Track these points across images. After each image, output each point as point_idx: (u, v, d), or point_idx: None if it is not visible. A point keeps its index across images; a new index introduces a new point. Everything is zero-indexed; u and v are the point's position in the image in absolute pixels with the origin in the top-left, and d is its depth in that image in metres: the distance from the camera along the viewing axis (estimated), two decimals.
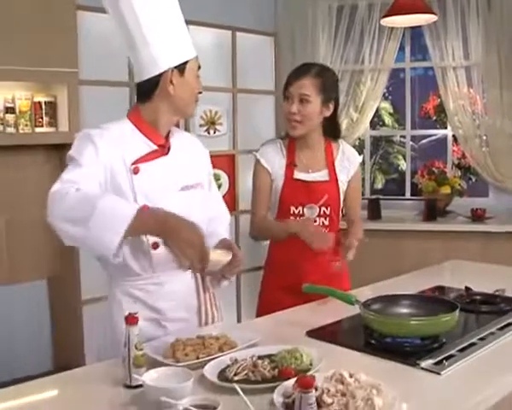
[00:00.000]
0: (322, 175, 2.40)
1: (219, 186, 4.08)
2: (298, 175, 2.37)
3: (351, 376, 1.38)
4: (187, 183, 1.91)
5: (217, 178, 4.05)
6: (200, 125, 4.02)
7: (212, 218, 1.99)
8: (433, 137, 6.14)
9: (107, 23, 3.44)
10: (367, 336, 1.75)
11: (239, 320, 4.04)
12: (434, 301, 1.87)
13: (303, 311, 2.10)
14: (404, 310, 1.83)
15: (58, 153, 3.43)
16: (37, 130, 3.26)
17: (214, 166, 3.97)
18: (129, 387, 1.45)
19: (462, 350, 1.66)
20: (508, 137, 4.07)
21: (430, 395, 1.45)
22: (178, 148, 1.94)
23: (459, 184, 4.36)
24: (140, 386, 1.41)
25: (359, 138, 4.80)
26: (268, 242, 2.50)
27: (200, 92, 1.90)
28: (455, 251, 3.43)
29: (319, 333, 1.81)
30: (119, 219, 1.59)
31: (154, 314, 1.87)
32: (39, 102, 3.26)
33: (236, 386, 1.31)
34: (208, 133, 4.05)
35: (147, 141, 1.86)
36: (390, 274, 2.63)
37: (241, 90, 4.20)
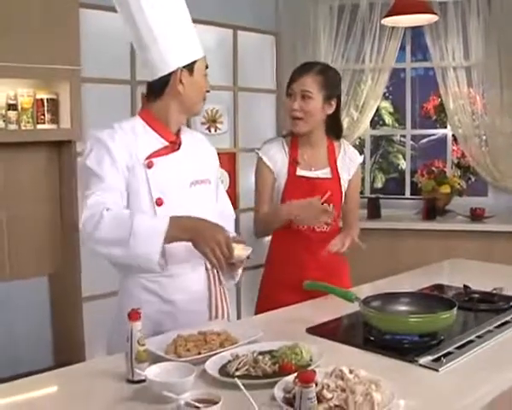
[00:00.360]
0: (324, 173, 2.42)
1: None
2: (300, 172, 2.40)
3: (350, 372, 1.40)
4: (196, 178, 1.98)
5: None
6: (202, 123, 4.03)
7: (219, 215, 2.03)
8: (433, 137, 6.16)
9: (110, 21, 3.51)
10: (366, 333, 1.77)
11: (239, 317, 4.06)
12: (433, 298, 1.89)
13: (303, 308, 2.12)
14: (404, 307, 1.85)
15: (60, 150, 3.45)
16: (39, 127, 3.27)
17: None
18: (131, 382, 1.46)
19: (460, 347, 1.68)
20: (507, 136, 4.09)
21: (428, 392, 1.46)
22: (188, 144, 2.01)
23: (459, 184, 4.38)
24: (142, 381, 1.43)
25: (360, 138, 4.82)
26: (269, 238, 2.51)
27: (208, 91, 1.96)
28: (454, 250, 3.45)
29: (319, 330, 1.83)
30: (155, 235, 1.71)
31: (166, 306, 1.91)
32: (41, 100, 3.27)
33: (238, 381, 1.33)
34: (209, 131, 4.06)
35: (158, 138, 1.93)
36: (389, 273, 2.65)
37: (242, 89, 4.21)
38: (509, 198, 4.23)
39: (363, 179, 4.62)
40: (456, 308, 1.73)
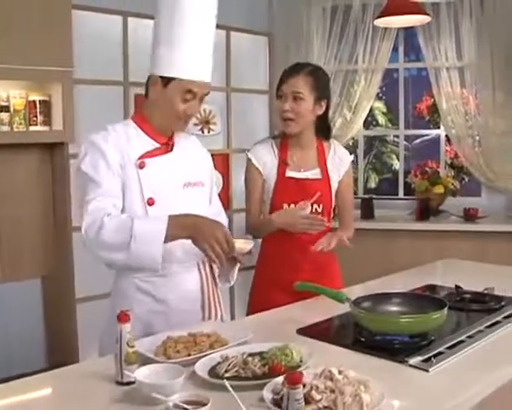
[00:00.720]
0: (314, 173, 2.43)
1: None
2: (290, 173, 2.40)
3: (340, 373, 1.40)
4: (189, 180, 1.99)
5: None
6: (195, 125, 4.03)
7: (213, 218, 2.02)
8: (427, 137, 6.17)
9: (103, 22, 3.51)
10: (357, 334, 1.76)
11: (233, 317, 4.06)
12: (424, 299, 1.89)
13: (294, 309, 2.12)
14: (394, 308, 1.85)
15: (52, 152, 3.45)
16: (32, 128, 3.27)
17: None
18: (121, 384, 1.46)
19: (450, 348, 1.68)
20: (500, 136, 4.10)
21: (418, 392, 1.47)
22: (182, 147, 2.02)
23: (452, 184, 4.38)
24: (132, 383, 1.43)
25: (353, 138, 4.82)
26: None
27: (189, 115, 1.91)
28: (447, 251, 3.45)
29: (310, 331, 1.83)
30: (154, 236, 1.74)
31: (158, 306, 1.92)
32: (34, 101, 3.27)
33: (226, 383, 1.33)
34: (202, 132, 4.06)
35: (149, 140, 1.94)
36: (382, 273, 2.66)
37: (235, 90, 4.22)
38: (502, 198, 4.25)
39: (356, 180, 4.62)
40: (446, 308, 1.73)
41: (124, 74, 3.63)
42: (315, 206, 2.35)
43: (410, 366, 1.57)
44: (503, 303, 2.06)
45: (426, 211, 4.18)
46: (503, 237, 3.86)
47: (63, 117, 3.27)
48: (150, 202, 1.87)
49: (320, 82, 2.39)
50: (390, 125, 7.58)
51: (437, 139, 4.64)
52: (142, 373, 1.41)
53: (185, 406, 1.27)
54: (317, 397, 1.30)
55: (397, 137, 5.25)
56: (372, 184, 7.73)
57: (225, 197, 4.11)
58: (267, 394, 1.33)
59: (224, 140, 4.21)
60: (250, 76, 4.32)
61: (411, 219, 4.24)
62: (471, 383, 1.51)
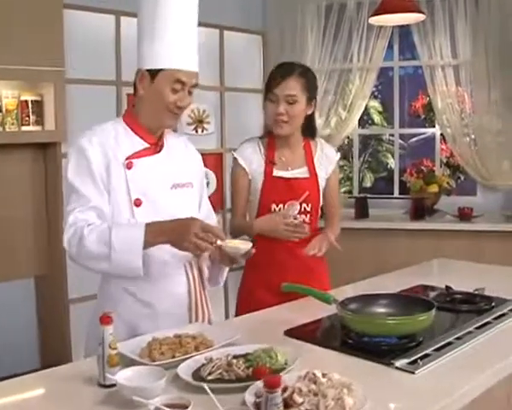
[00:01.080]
0: (301, 172, 2.41)
1: (207, 185, 4.07)
2: (277, 173, 2.38)
3: (324, 375, 1.39)
4: (178, 181, 1.97)
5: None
6: (188, 124, 4.02)
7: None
8: (423, 136, 6.15)
9: (95, 21, 3.50)
10: (344, 336, 1.75)
11: (227, 317, 4.05)
12: (412, 300, 1.87)
13: (282, 310, 2.10)
14: (382, 309, 1.83)
15: (45, 151, 3.44)
16: (24, 128, 3.27)
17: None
18: (103, 386, 1.45)
19: (438, 349, 1.67)
20: (495, 135, 4.09)
21: (403, 395, 1.45)
22: (171, 148, 2.00)
23: (447, 183, 4.37)
24: (114, 385, 1.42)
25: (348, 137, 4.81)
26: None
27: (180, 107, 1.87)
28: (442, 250, 3.44)
29: (297, 332, 1.82)
30: (133, 244, 1.74)
31: (145, 309, 1.90)
32: (26, 101, 3.26)
33: (205, 385, 1.32)
34: (196, 132, 4.05)
35: (139, 140, 1.92)
36: (376, 273, 2.65)
37: (228, 89, 4.21)
38: (497, 197, 4.23)
39: (351, 179, 4.61)
40: (434, 310, 1.72)
41: (116, 74, 3.62)
42: (304, 205, 2.33)
43: (397, 368, 1.55)
44: (493, 304, 2.04)
45: (420, 210, 4.16)
46: (498, 236, 3.84)
47: (55, 117, 3.27)
48: (137, 203, 1.86)
49: (311, 83, 2.37)
50: (385, 123, 7.56)
51: (433, 138, 4.63)
52: (123, 376, 1.40)
53: (166, 409, 1.26)
54: (299, 400, 1.28)
55: (392, 135, 5.24)
56: (368, 183, 7.71)
57: (219, 197, 4.10)
58: (249, 397, 1.32)
59: (218, 139, 4.20)
60: (244, 75, 4.31)
61: (406, 219, 4.22)
62: (458, 386, 1.49)
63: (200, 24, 3.97)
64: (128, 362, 1.53)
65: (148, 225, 1.76)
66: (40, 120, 3.31)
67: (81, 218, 1.78)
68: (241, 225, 2.41)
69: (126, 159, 1.87)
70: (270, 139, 2.43)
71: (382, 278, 2.60)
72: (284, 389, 1.31)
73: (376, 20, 3.98)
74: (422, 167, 4.61)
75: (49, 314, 3.55)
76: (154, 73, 1.84)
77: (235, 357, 1.54)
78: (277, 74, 2.35)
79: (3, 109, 3.20)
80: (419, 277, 2.50)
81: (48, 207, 3.46)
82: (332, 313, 1.91)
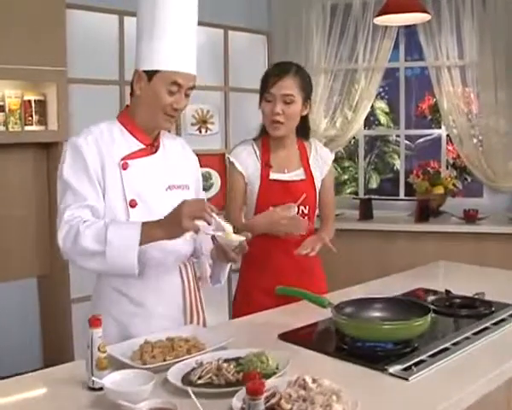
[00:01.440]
0: (298, 174, 2.38)
1: (211, 185, 4.07)
2: (274, 176, 2.35)
3: (314, 381, 1.37)
4: (173, 182, 1.96)
5: (208, 177, 4.04)
6: (192, 124, 4.01)
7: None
8: (430, 137, 6.11)
9: (98, 21, 3.50)
10: (339, 341, 1.73)
11: (231, 317, 4.04)
12: (408, 304, 1.84)
13: (278, 313, 2.08)
14: (377, 314, 1.81)
15: (48, 151, 3.44)
16: (27, 128, 3.27)
17: (206, 165, 4.02)
18: (92, 389, 1.44)
19: (433, 355, 1.64)
20: (502, 136, 4.04)
21: (395, 401, 1.43)
22: (167, 149, 2.00)
23: (453, 184, 4.32)
24: (103, 389, 1.41)
25: (354, 138, 4.78)
26: None
27: (176, 109, 1.86)
28: (446, 252, 3.41)
29: (291, 336, 1.80)
30: (128, 242, 1.72)
31: (138, 310, 1.89)
32: (29, 101, 3.26)
33: (189, 390, 1.30)
34: (200, 132, 4.04)
35: (134, 140, 1.91)
36: (379, 275, 2.63)
37: (233, 89, 4.19)
38: (503, 199, 4.18)
39: (356, 180, 4.58)
40: (430, 315, 1.69)
41: (119, 73, 3.62)
42: (301, 207, 2.31)
43: (390, 374, 1.53)
44: (493, 309, 2.01)
45: (425, 212, 4.12)
46: (503, 238, 3.79)
47: (58, 117, 3.27)
48: (132, 204, 1.85)
49: (306, 82, 2.34)
50: (392, 124, 7.50)
51: (439, 139, 4.58)
52: (111, 379, 1.38)
53: None
54: (287, 407, 1.27)
55: (399, 136, 5.20)
56: (373, 185, 7.66)
57: (222, 197, 4.07)
58: (236, 402, 1.30)
59: (222, 140, 4.18)
60: (248, 75, 4.27)
61: (410, 221, 4.18)
62: (452, 393, 1.46)
63: (204, 24, 4.01)
64: (120, 365, 1.53)
65: (144, 223, 1.74)
66: (43, 120, 3.31)
67: (76, 215, 1.77)
68: (240, 227, 2.38)
69: (122, 159, 1.86)
70: (265, 141, 2.40)
71: (383, 281, 2.58)
72: (272, 395, 1.29)
73: (381, 20, 3.95)
74: (429, 169, 4.55)
75: (51, 314, 3.55)
76: (150, 74, 1.84)
77: (226, 361, 1.53)
78: (273, 74, 2.32)
79: (6, 109, 3.20)
80: (420, 280, 2.47)
81: (50, 207, 3.45)
82: (327, 317, 1.88)
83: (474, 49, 4.07)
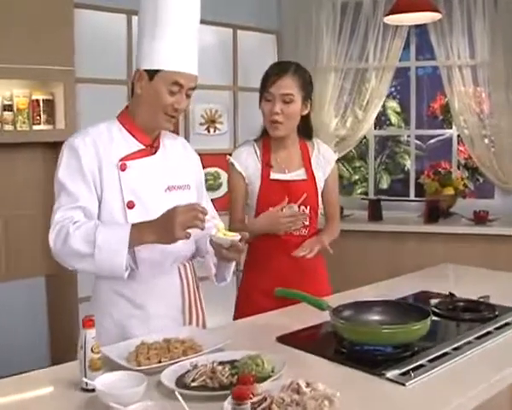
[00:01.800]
0: (299, 174, 2.36)
1: (220, 185, 4.06)
2: (274, 176, 2.34)
3: (308, 385, 1.36)
4: (173, 183, 1.94)
5: (217, 176, 4.04)
6: (200, 124, 4.01)
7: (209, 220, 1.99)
8: (442, 137, 6.04)
9: (107, 21, 3.50)
10: (337, 344, 1.70)
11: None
12: (408, 307, 1.81)
13: (278, 315, 2.06)
14: (376, 317, 1.78)
15: (56, 151, 3.44)
16: (35, 127, 3.28)
17: (214, 165, 4.01)
18: (86, 390, 1.43)
19: (433, 360, 1.61)
20: None
21: (390, 407, 1.41)
22: (168, 149, 1.98)
23: (464, 185, 4.28)
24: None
25: (365, 137, 4.74)
26: None
27: (176, 109, 1.85)
28: (456, 254, 3.38)
29: (289, 339, 1.78)
30: (117, 245, 1.71)
31: (137, 311, 1.88)
32: (37, 100, 3.28)
33: (177, 393, 1.29)
34: (208, 132, 4.03)
35: (134, 141, 1.90)
36: (389, 276, 2.61)
37: (242, 89, 4.17)
38: None
39: (366, 180, 4.55)
40: (429, 318, 1.66)
41: (127, 73, 3.62)
42: (302, 207, 2.29)
43: (388, 379, 1.50)
44: (496, 313, 1.98)
45: (435, 213, 4.08)
46: None
47: (65, 116, 3.28)
48: (130, 206, 1.84)
49: (306, 81, 2.32)
50: (403, 124, 7.44)
51: (451, 139, 4.53)
52: (103, 381, 1.38)
53: None
54: None
55: (409, 137, 5.16)
56: (384, 185, 7.61)
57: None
58: (228, 406, 1.29)
59: (231, 139, 4.17)
60: (257, 75, 4.24)
61: (420, 222, 4.14)
62: (451, 399, 1.43)
63: (213, 23, 4.02)
64: (115, 366, 1.52)
65: (134, 225, 1.74)
66: (51, 119, 3.32)
67: (67, 215, 1.76)
68: (242, 229, 2.36)
69: (120, 160, 1.85)
70: (266, 141, 2.39)
71: (387, 283, 2.55)
72: (264, 399, 1.28)
73: (391, 19, 3.92)
74: (440, 169, 4.51)
75: (59, 313, 3.57)
76: (152, 74, 1.82)
77: (221, 363, 1.51)
78: (272, 73, 2.31)
79: (15, 108, 3.22)
80: (425, 282, 2.44)
81: None
82: (327, 320, 1.85)
83: (485, 48, 4.02)
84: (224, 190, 4.08)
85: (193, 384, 1.44)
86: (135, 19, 3.55)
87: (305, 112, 2.34)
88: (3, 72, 3.03)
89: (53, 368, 1.68)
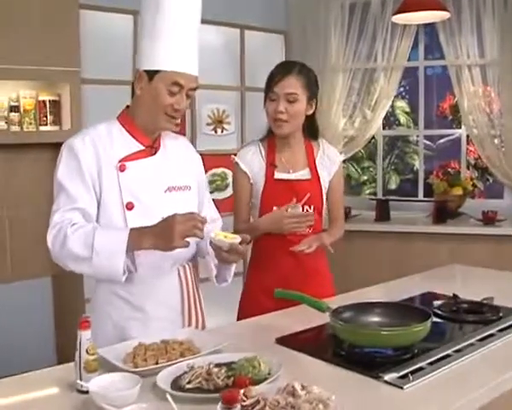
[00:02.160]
0: (303, 174, 2.36)
1: (227, 185, 4.06)
2: (278, 175, 2.34)
3: (303, 388, 1.34)
4: (173, 184, 1.93)
5: (224, 177, 4.03)
6: (208, 124, 4.00)
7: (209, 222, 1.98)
8: (451, 137, 6.00)
9: (111, 21, 3.51)
10: (336, 346, 1.69)
11: None
12: (409, 309, 1.79)
13: (279, 316, 2.04)
14: (376, 319, 1.76)
15: None
16: (42, 128, 3.29)
17: (222, 165, 4.00)
18: (81, 392, 1.43)
19: (433, 363, 1.59)
20: None
21: None
22: (169, 150, 1.97)
23: (473, 185, 4.23)
24: None
25: (373, 137, 4.71)
26: None
27: (177, 110, 1.84)
28: (464, 254, 3.34)
29: (288, 340, 1.76)
30: (115, 250, 1.71)
31: (137, 313, 1.88)
32: (44, 101, 3.29)
33: (168, 396, 1.28)
34: (215, 132, 4.02)
35: (133, 141, 1.89)
36: (396, 277, 2.58)
37: (249, 89, 4.16)
38: None
39: (375, 181, 4.52)
40: (429, 320, 1.64)
41: (133, 74, 3.61)
42: (306, 207, 2.28)
43: (385, 382, 1.49)
44: (500, 314, 1.95)
45: (443, 213, 4.04)
46: None
47: (71, 117, 3.28)
48: (129, 207, 1.83)
49: (311, 81, 2.32)
50: (413, 124, 7.39)
51: (460, 139, 4.49)
52: (98, 382, 1.37)
53: None
54: None
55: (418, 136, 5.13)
56: (393, 186, 7.56)
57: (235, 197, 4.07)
58: (220, 409, 1.28)
59: (238, 140, 4.16)
60: (265, 75, 4.23)
61: (428, 222, 4.11)
62: (448, 403, 1.41)
63: (220, 23, 4.00)
64: (111, 367, 1.51)
65: (132, 229, 1.74)
66: (58, 120, 3.33)
67: (66, 217, 1.76)
68: (246, 229, 2.36)
69: (119, 161, 1.85)
70: (271, 141, 2.39)
71: (392, 283, 2.52)
72: (257, 402, 1.27)
73: (399, 19, 3.90)
74: (449, 169, 4.47)
75: (65, 313, 3.58)
76: (151, 74, 1.82)
77: (218, 365, 1.50)
78: (277, 73, 2.31)
79: (21, 109, 3.23)
80: (431, 283, 2.41)
81: None
82: (328, 321, 1.84)
83: (494, 47, 3.98)
84: (231, 190, 4.07)
85: (188, 386, 1.43)
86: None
87: (310, 112, 2.34)
88: (10, 73, 3.04)
89: (51, 369, 1.68)
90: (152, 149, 1.92)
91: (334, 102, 4.34)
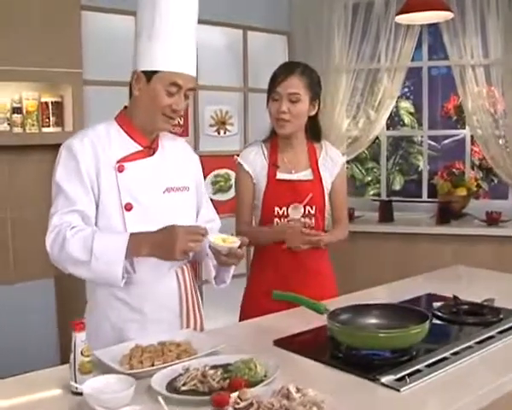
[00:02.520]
0: (305, 175, 2.36)
1: (230, 187, 4.05)
2: (281, 175, 2.34)
3: (298, 390, 1.33)
4: (171, 185, 1.93)
5: (227, 178, 4.02)
6: (210, 125, 4.00)
7: (207, 223, 1.99)
8: (456, 137, 5.97)
9: (113, 22, 3.50)
10: (334, 348, 1.68)
11: None
12: (407, 311, 1.77)
13: (278, 318, 2.03)
14: (374, 320, 1.75)
15: None
16: (44, 130, 3.29)
17: (225, 167, 4.00)
18: (75, 394, 1.43)
19: (431, 365, 1.58)
20: None
21: None
22: (167, 151, 1.97)
23: (477, 186, 4.21)
24: None
25: (377, 138, 4.70)
26: None
27: (175, 110, 1.84)
28: (468, 255, 3.33)
29: (286, 342, 1.75)
30: (114, 255, 1.72)
31: (135, 315, 1.88)
32: (46, 103, 3.29)
33: (160, 398, 1.28)
34: (218, 133, 4.02)
35: (132, 142, 1.89)
36: (399, 278, 2.58)
37: (252, 90, 4.16)
38: None
39: (379, 181, 4.50)
40: (427, 322, 1.62)
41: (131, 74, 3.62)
42: (308, 208, 2.29)
43: (382, 384, 1.48)
44: (501, 316, 1.93)
45: (447, 214, 4.02)
46: None
47: (73, 118, 3.29)
48: (128, 208, 1.83)
49: (313, 81, 2.33)
50: (417, 125, 7.36)
51: (465, 140, 4.47)
52: (92, 384, 1.37)
53: None
54: None
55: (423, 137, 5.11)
56: (397, 186, 7.54)
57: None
58: None
59: (241, 141, 4.15)
60: (268, 76, 4.23)
61: (431, 223, 4.09)
62: (445, 406, 1.41)
63: (223, 24, 4.00)
64: (107, 369, 1.51)
65: (132, 235, 1.73)
66: (60, 122, 3.33)
67: (65, 220, 1.76)
68: (253, 234, 2.30)
69: (118, 162, 1.84)
70: (274, 141, 2.40)
71: (395, 284, 2.52)
72: (250, 405, 1.26)
73: (403, 19, 3.88)
74: (454, 170, 4.44)
75: (68, 314, 3.58)
76: (149, 75, 1.82)
77: (214, 367, 1.50)
78: (280, 73, 2.32)
79: (24, 111, 3.24)
80: (434, 284, 2.41)
81: None
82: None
83: (498, 47, 3.95)
84: (233, 191, 4.07)
85: (183, 388, 1.42)
86: None
87: (313, 112, 2.34)
88: (13, 74, 3.05)
89: (49, 370, 1.68)
90: (150, 149, 1.92)
91: (338, 102, 4.33)
